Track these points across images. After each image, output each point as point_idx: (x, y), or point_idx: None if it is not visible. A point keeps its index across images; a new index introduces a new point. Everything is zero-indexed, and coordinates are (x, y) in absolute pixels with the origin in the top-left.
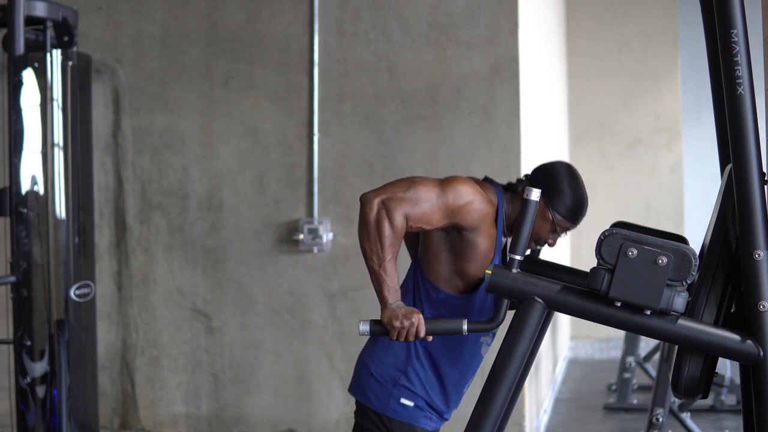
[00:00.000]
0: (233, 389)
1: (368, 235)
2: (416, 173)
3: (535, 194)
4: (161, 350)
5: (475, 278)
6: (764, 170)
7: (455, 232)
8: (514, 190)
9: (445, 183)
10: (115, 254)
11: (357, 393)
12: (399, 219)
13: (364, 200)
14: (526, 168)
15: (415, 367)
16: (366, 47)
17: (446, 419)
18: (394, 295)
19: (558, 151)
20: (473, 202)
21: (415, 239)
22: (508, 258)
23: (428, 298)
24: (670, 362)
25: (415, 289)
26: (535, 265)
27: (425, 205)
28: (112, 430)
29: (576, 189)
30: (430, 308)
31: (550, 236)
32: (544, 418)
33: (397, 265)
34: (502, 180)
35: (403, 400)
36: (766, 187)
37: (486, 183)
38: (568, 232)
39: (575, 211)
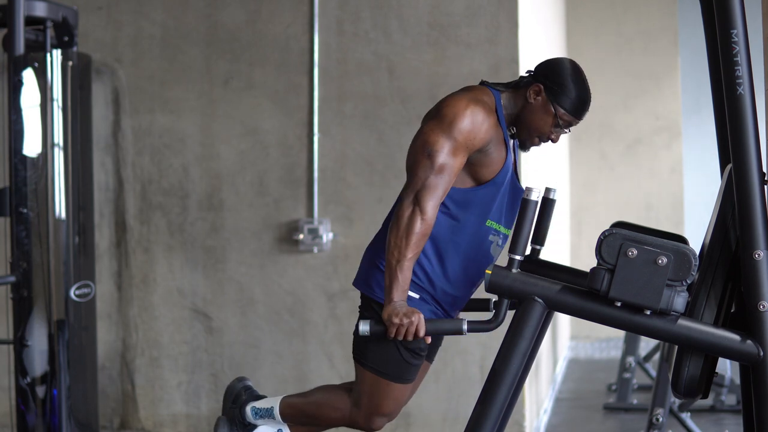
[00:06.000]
0: None
1: (398, 230)
2: None
3: (534, 194)
4: (161, 350)
5: (487, 176)
6: (764, 170)
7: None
8: (516, 86)
9: (446, 125)
10: (115, 254)
11: (362, 286)
12: (431, 211)
13: (401, 198)
14: (526, 168)
15: (422, 262)
16: (366, 47)
17: (452, 317)
18: (400, 294)
19: (557, 151)
20: (475, 124)
21: None
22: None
23: None
24: (670, 362)
25: None
26: (535, 265)
27: (448, 171)
28: (112, 430)
29: (579, 82)
30: (441, 205)
31: (553, 131)
32: (544, 418)
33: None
34: None
35: (409, 292)
36: (766, 187)
37: (481, 86)
38: (571, 129)
39: (578, 104)
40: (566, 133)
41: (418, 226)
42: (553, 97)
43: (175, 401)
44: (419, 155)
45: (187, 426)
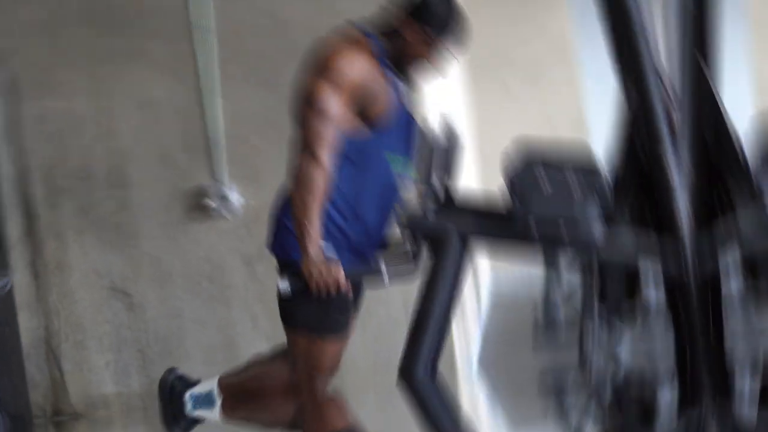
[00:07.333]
0: (162, 363)
1: (300, 184)
2: None
3: (435, 130)
4: (85, 333)
5: (378, 117)
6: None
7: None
8: (387, 25)
9: (328, 73)
10: (26, 243)
11: (277, 249)
12: (326, 159)
13: (296, 154)
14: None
15: (337, 221)
16: (250, 4)
17: (369, 258)
18: (315, 247)
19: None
20: (357, 69)
21: None
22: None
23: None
24: None
25: None
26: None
27: (335, 118)
28: (45, 419)
29: (449, 7)
30: (344, 161)
31: (437, 59)
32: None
33: None
34: None
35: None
36: None
37: (357, 32)
38: (453, 52)
39: (446, 17)
40: (455, 58)
41: (318, 176)
42: (418, 19)
43: (105, 381)
44: (305, 108)
45: (120, 404)
